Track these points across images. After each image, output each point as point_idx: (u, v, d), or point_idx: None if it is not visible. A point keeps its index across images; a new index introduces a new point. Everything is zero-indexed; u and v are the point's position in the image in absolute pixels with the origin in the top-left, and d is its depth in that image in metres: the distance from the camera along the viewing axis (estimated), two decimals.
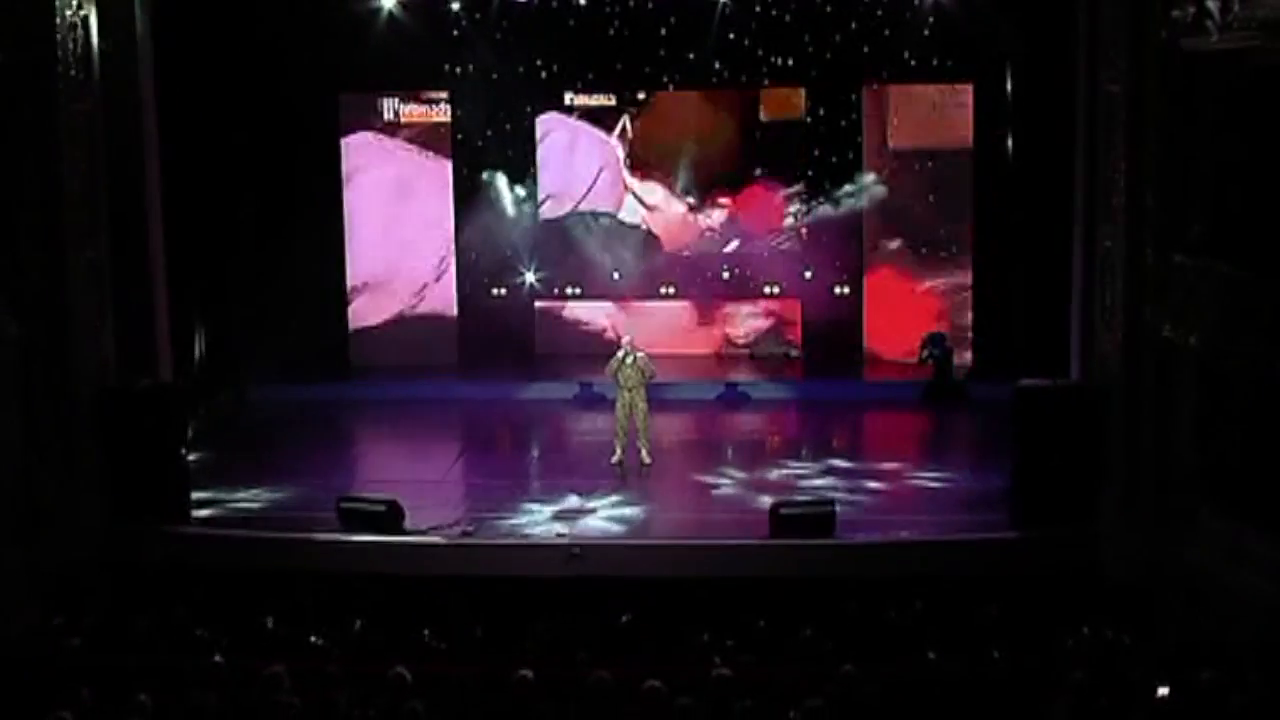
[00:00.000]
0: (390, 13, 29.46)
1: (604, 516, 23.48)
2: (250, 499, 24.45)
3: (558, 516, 23.36)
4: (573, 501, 24.01)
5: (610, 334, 31.72)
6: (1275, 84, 19.28)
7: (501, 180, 31.84)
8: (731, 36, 30.39)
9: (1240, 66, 19.61)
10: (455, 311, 32.28)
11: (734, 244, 32.40)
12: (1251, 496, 19.74)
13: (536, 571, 21.27)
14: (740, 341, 32.52)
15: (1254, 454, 19.96)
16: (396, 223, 32.28)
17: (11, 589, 21.20)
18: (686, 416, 28.85)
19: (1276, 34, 18.18)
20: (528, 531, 22.76)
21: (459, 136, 31.74)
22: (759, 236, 32.22)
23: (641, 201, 32.57)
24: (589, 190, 32.57)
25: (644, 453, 25.34)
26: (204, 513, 23.61)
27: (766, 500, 22.82)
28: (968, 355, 30.88)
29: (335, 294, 31.70)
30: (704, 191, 32.42)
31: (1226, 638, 18.37)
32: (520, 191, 32.00)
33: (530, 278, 32.26)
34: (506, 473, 25.90)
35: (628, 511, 23.68)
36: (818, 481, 24.95)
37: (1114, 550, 21.59)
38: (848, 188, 31.53)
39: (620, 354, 25.27)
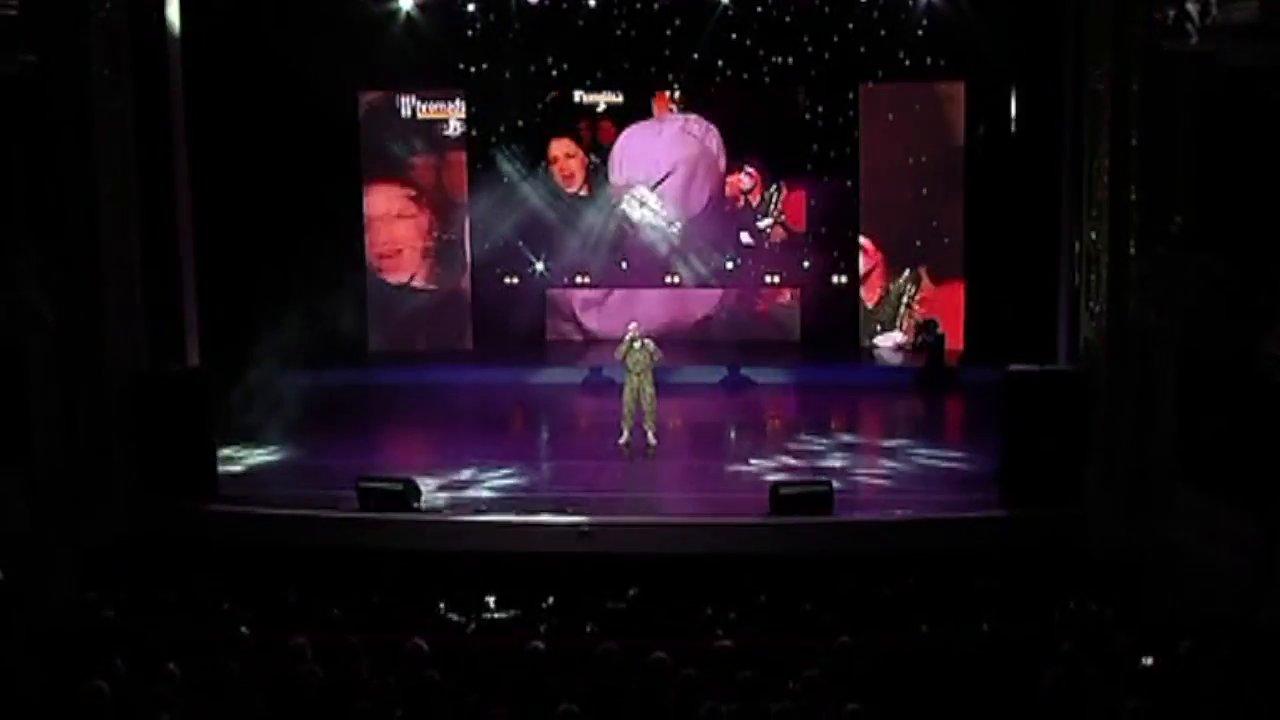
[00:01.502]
0: (408, 14, 29.56)
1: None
2: (274, 478, 24.55)
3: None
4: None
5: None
6: (1250, 84, 19.34)
7: (513, 174, 31.83)
8: (733, 37, 30.44)
9: (1217, 67, 19.67)
10: (470, 299, 32.29)
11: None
12: (1227, 476, 19.79)
13: (548, 548, 21.35)
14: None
15: (1230, 436, 20.01)
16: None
17: (51, 563, 21.34)
18: (691, 399, 28.88)
19: (1251, 37, 18.23)
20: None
21: (473, 132, 31.77)
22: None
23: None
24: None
25: (650, 434, 25.35)
26: (230, 488, 23.79)
27: (767, 480, 22.88)
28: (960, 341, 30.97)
29: (356, 283, 31.72)
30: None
31: (1204, 610, 18.45)
32: (531, 184, 31.98)
33: (540, 266, 32.30)
34: (518, 454, 25.95)
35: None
36: (816, 462, 24.99)
37: (1098, 527, 21.66)
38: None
39: (628, 339, 25.32)
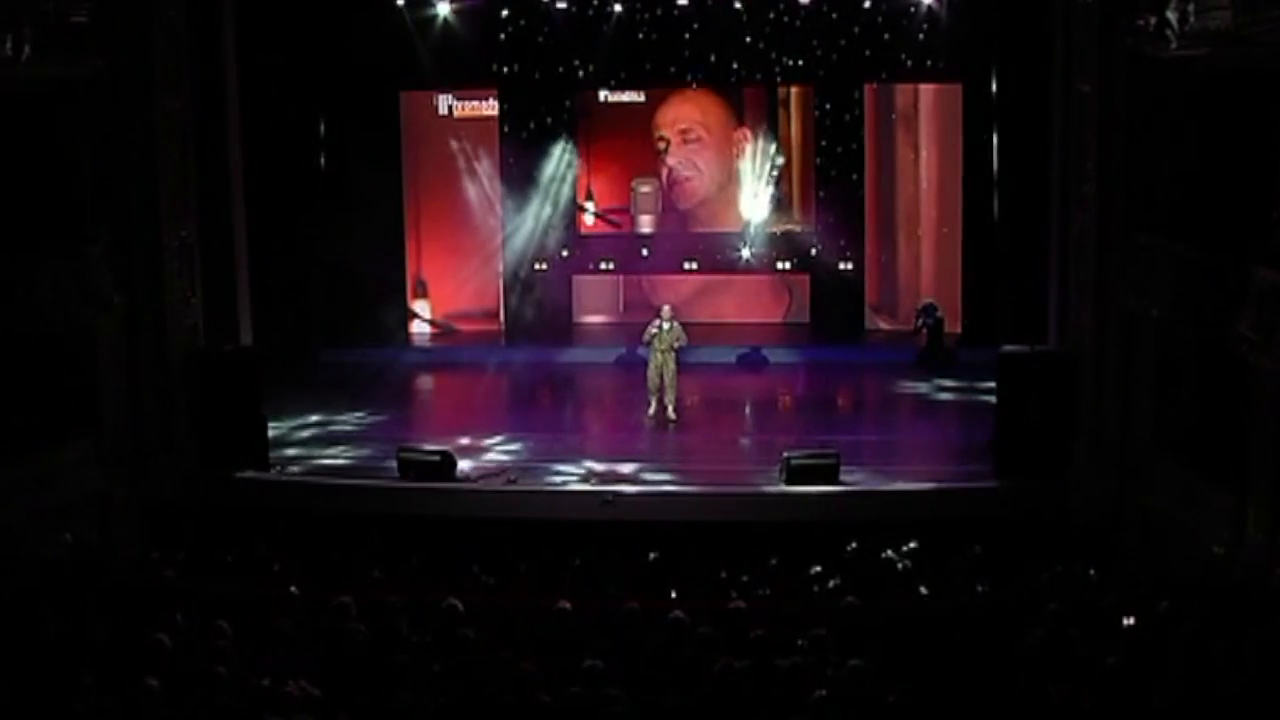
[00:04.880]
0: (445, 19, 29.61)
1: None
2: (320, 448, 24.66)
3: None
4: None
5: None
6: (1225, 86, 19.37)
7: (543, 167, 31.76)
8: (748, 40, 30.39)
9: (1195, 71, 19.69)
10: (502, 284, 32.29)
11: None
12: (1202, 448, 19.87)
13: (574, 515, 21.41)
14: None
15: (1204, 411, 20.10)
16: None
17: (118, 526, 21.53)
18: (708, 377, 28.86)
19: (1226, 43, 18.23)
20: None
21: (505, 129, 31.77)
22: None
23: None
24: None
25: (670, 408, 25.45)
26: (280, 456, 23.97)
27: (778, 451, 22.92)
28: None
29: (397, 269, 31.76)
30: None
31: (1181, 572, 18.50)
32: (557, 177, 31.91)
33: (566, 254, 32.17)
34: (548, 428, 26.01)
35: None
36: (824, 434, 25.00)
37: (1084, 496, 21.71)
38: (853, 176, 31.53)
39: (658, 322, 25.39)
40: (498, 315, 32.77)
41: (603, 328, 32.62)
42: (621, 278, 32.96)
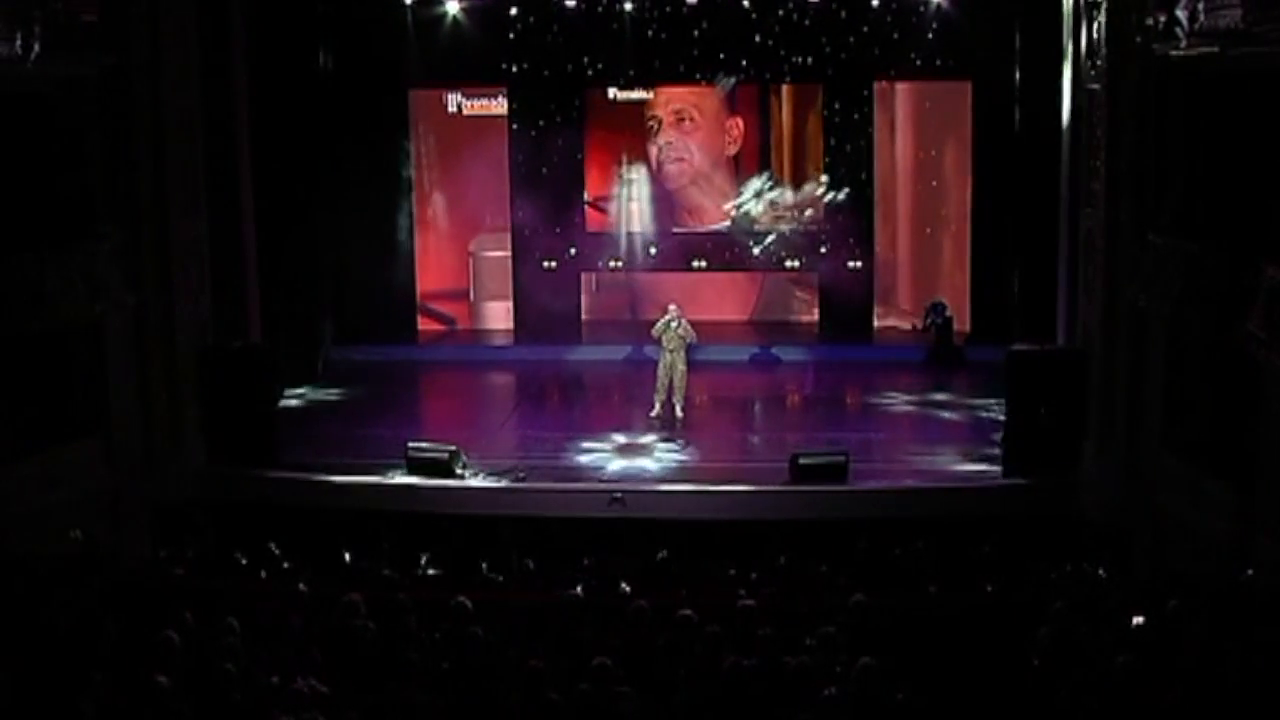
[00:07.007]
0: (454, 17, 29.61)
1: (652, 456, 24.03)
2: (330, 445, 24.66)
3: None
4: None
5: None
6: (1235, 85, 19.34)
7: (552, 164, 31.70)
8: (757, 39, 30.35)
9: (1205, 69, 19.67)
10: (511, 281, 32.25)
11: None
12: (1210, 447, 19.87)
13: (583, 513, 21.41)
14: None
15: (1213, 409, 20.07)
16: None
17: (128, 523, 21.55)
18: (717, 375, 28.84)
19: (1236, 42, 18.22)
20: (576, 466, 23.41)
21: (514, 126, 31.73)
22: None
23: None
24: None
25: (678, 408, 25.43)
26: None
27: (787, 450, 22.91)
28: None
29: (406, 266, 31.76)
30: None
31: (1190, 570, 18.48)
32: (568, 175, 31.88)
33: (574, 252, 32.08)
34: (555, 424, 26.01)
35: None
36: (833, 433, 25.01)
37: (1093, 495, 21.72)
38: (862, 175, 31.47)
39: (666, 319, 25.37)
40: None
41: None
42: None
